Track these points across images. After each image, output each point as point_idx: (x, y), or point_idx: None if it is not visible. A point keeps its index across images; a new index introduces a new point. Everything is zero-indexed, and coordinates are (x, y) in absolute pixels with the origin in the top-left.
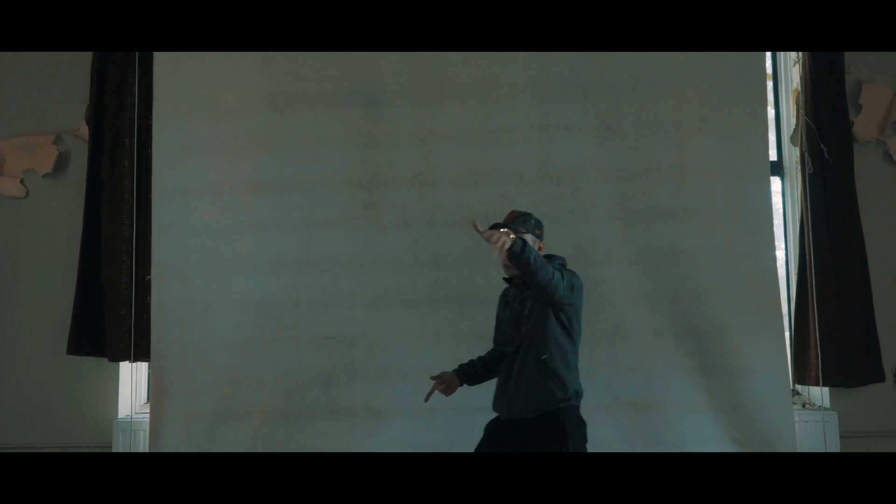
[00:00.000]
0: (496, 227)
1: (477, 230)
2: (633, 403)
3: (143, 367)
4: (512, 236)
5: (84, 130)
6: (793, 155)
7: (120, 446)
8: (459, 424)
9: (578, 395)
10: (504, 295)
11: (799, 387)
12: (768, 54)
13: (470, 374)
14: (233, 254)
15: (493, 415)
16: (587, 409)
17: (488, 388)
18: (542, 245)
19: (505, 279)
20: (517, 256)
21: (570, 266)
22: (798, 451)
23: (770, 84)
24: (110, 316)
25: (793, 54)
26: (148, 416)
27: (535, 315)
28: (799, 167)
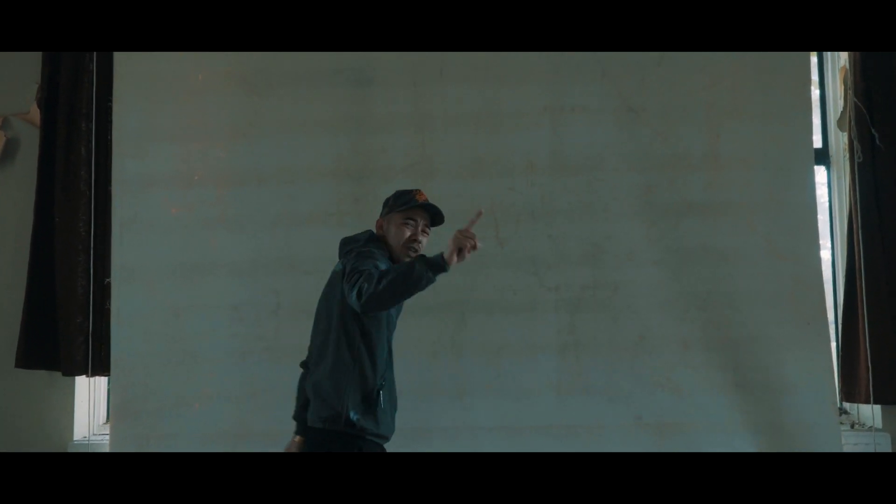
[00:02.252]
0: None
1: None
2: (658, 424)
3: (101, 382)
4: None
5: (35, 114)
6: (840, 141)
7: None
8: (458, 446)
9: None
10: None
11: (847, 405)
12: None
13: None
14: (204, 254)
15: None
16: (605, 429)
17: (494, 405)
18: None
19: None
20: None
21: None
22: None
23: (814, 61)
24: (65, 324)
25: None
26: (108, 438)
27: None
28: (847, 155)
